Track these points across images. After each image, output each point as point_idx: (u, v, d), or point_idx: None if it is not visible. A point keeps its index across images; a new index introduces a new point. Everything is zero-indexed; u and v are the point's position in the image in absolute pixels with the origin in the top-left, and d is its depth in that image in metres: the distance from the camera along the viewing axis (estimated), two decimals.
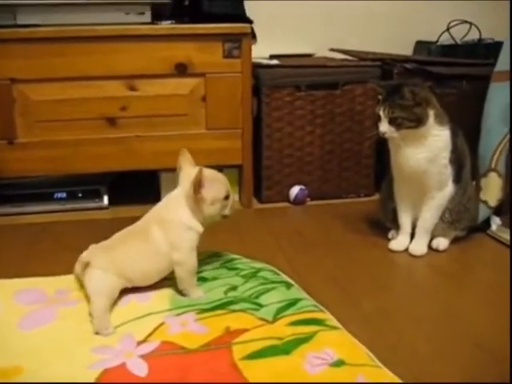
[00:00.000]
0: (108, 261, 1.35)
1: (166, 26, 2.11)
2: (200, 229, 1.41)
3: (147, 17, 2.08)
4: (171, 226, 1.38)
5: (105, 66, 2.06)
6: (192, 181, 1.36)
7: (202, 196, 1.38)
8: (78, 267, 1.37)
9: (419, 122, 1.65)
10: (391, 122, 1.65)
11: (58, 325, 1.28)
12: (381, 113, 1.66)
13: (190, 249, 1.40)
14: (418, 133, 1.67)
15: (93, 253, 1.37)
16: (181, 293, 1.41)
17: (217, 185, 1.41)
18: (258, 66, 2.23)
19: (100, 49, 2.04)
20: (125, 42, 2.05)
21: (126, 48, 2.06)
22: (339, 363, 1.13)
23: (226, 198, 1.43)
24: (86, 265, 1.35)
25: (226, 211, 1.46)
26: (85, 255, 1.36)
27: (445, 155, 1.71)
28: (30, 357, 1.16)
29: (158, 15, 2.14)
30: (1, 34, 1.97)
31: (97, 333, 1.24)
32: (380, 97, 1.70)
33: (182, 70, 2.10)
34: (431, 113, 1.67)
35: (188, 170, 1.43)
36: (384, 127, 1.66)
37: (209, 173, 1.40)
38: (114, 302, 1.35)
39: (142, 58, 2.07)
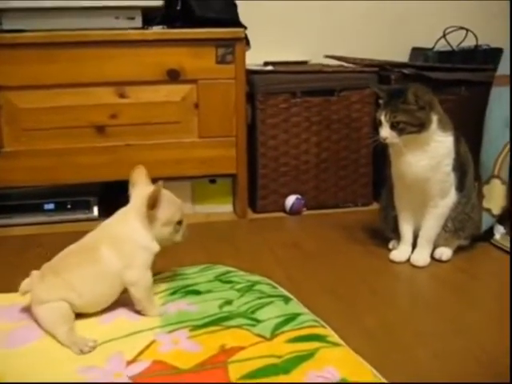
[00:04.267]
0: (50, 288, 1.24)
1: (157, 30, 2.05)
2: (156, 248, 1.31)
3: (138, 22, 2.03)
4: (124, 244, 1.28)
5: (94, 72, 2.00)
6: (147, 196, 1.27)
7: (155, 214, 1.29)
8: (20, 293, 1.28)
9: (422, 126, 1.59)
10: (393, 126, 1.59)
11: (44, 343, 1.20)
12: (382, 117, 1.60)
13: (144, 267, 1.30)
14: (420, 138, 1.61)
15: (33, 281, 1.26)
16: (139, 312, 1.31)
17: (172, 206, 1.33)
18: (252, 72, 2.18)
19: (89, 54, 1.98)
20: (115, 48, 1.99)
21: (115, 54, 2.00)
22: (343, 382, 1.06)
23: (179, 223, 1.35)
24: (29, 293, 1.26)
25: (178, 237, 1.36)
26: (25, 284, 1.26)
27: (448, 162, 1.66)
28: (13, 377, 1.08)
29: (148, 20, 2.08)
30: None
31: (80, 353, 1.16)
32: (381, 101, 1.64)
33: (173, 76, 2.04)
34: (434, 118, 1.61)
35: (143, 187, 1.34)
36: (385, 132, 1.60)
37: (166, 193, 1.32)
38: (96, 317, 1.29)
39: (132, 64, 2.01)
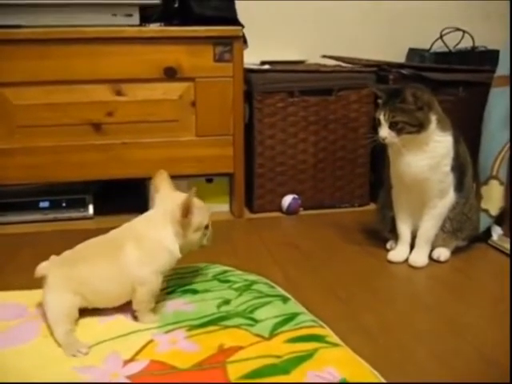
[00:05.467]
0: (65, 278, 1.24)
1: (154, 28, 2.04)
2: (178, 254, 1.32)
3: (135, 19, 2.01)
4: (149, 244, 1.29)
5: (90, 69, 1.98)
6: (181, 204, 1.29)
7: (190, 221, 1.31)
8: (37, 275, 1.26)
9: (421, 126, 1.58)
10: (392, 126, 1.59)
11: (39, 342, 1.19)
12: (381, 117, 1.59)
13: (159, 271, 1.30)
14: (419, 138, 1.60)
15: (51, 266, 1.25)
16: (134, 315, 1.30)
17: (202, 212, 1.36)
18: (249, 71, 2.17)
19: (85, 51, 1.96)
20: (111, 45, 1.97)
21: (112, 51, 1.98)
22: (343, 383, 1.05)
23: (207, 227, 1.38)
24: (43, 278, 1.25)
25: (205, 241, 1.39)
26: (42, 267, 1.25)
27: (447, 162, 1.65)
28: (10, 376, 1.07)
29: (146, 17, 2.06)
30: None
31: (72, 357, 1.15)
32: (380, 101, 1.63)
33: (171, 74, 2.02)
34: (433, 118, 1.60)
35: (168, 193, 1.36)
36: (384, 132, 1.60)
37: (196, 199, 1.35)
38: (97, 316, 1.28)
39: (129, 61, 1.99)
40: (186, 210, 1.29)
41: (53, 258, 1.28)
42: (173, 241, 1.31)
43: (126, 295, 1.29)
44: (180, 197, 1.31)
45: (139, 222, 1.35)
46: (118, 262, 1.26)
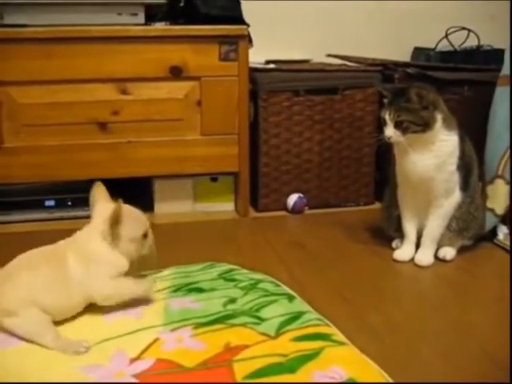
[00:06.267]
0: (11, 298, 1.15)
1: (160, 27, 2.04)
2: (124, 266, 1.26)
3: (140, 18, 2.01)
4: (90, 259, 1.23)
5: (96, 68, 1.98)
6: (108, 216, 1.23)
7: (119, 233, 1.25)
8: None
9: (426, 126, 1.58)
10: (397, 125, 1.59)
11: None
12: (386, 116, 1.60)
13: (110, 279, 1.24)
14: (424, 138, 1.60)
15: None
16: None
17: (135, 222, 1.29)
18: (255, 70, 2.17)
19: (91, 50, 1.97)
20: (117, 44, 1.98)
21: (118, 50, 1.98)
22: (350, 382, 1.05)
23: (145, 236, 1.31)
24: None
25: (144, 250, 1.32)
26: None
27: (452, 161, 1.65)
28: (11, 378, 1.06)
29: (151, 16, 2.07)
30: None
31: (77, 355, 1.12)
32: (385, 100, 1.63)
33: (176, 73, 2.02)
34: (439, 117, 1.60)
35: (103, 205, 1.30)
36: (389, 131, 1.60)
37: (128, 209, 1.28)
38: (102, 314, 1.25)
39: (134, 60, 2.00)
40: (115, 221, 1.23)
41: None
42: (110, 253, 1.25)
43: (69, 309, 1.22)
44: (110, 208, 1.24)
45: (79, 236, 1.29)
46: (62, 270, 1.20)
